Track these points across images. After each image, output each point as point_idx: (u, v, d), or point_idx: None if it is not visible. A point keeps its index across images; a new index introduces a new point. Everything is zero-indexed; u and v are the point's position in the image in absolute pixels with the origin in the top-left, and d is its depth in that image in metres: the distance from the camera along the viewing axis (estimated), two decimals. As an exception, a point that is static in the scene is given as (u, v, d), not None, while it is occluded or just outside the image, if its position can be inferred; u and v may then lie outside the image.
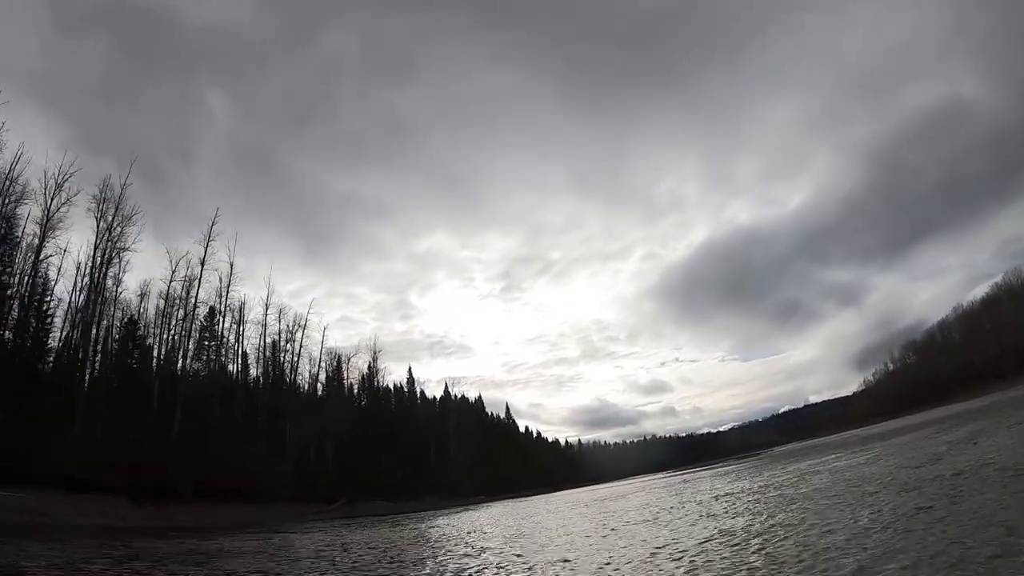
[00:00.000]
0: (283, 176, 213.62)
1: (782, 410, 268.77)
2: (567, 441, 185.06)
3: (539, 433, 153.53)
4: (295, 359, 65.40)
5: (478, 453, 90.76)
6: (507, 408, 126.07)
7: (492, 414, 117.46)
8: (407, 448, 72.17)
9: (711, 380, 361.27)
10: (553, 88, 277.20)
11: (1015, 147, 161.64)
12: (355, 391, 73.91)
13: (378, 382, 76.58)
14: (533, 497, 74.72)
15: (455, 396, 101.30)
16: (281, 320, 64.74)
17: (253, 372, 62.40)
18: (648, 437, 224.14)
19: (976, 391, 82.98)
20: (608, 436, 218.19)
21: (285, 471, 50.91)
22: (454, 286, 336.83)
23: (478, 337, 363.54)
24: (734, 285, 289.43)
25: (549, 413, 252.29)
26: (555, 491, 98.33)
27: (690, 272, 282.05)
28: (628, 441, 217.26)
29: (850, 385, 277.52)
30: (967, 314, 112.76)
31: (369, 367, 75.26)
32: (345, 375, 73.04)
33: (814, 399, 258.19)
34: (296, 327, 65.60)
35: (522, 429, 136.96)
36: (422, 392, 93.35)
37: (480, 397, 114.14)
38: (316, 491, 52.35)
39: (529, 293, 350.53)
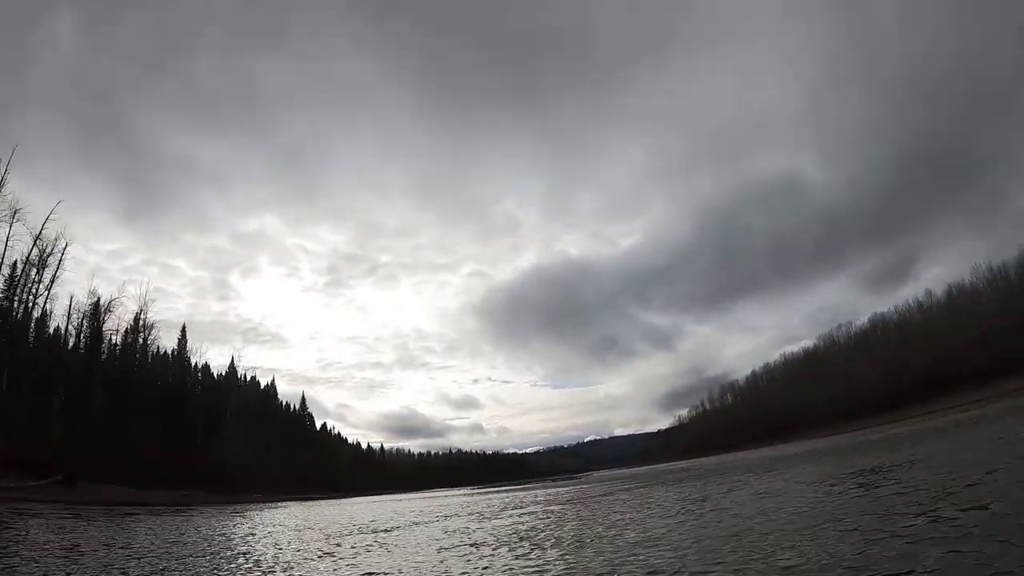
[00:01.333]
0: (119, 122, 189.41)
1: (587, 439, 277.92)
2: (369, 445, 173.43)
3: (339, 432, 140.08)
4: (31, 293, 49.40)
5: (264, 444, 77.20)
6: (303, 398, 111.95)
7: (285, 403, 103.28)
8: (172, 426, 57.72)
9: (522, 403, 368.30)
10: (410, 87, 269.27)
11: (839, 227, 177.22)
12: (113, 346, 58.05)
13: (142, 340, 60.88)
14: (322, 502, 63.60)
15: (243, 377, 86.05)
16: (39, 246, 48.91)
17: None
18: (454, 451, 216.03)
19: (796, 435, 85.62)
20: (414, 446, 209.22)
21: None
22: (278, 273, 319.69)
23: (296, 329, 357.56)
24: (557, 314, 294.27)
25: (357, 416, 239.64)
26: (350, 496, 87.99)
27: (515, 295, 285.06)
28: (433, 452, 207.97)
29: (656, 423, 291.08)
30: (788, 363, 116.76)
31: (136, 321, 59.82)
32: (104, 326, 57.23)
33: (619, 432, 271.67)
34: (48, 251, 49.80)
35: (319, 425, 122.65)
36: (205, 365, 77.94)
37: (274, 382, 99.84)
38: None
39: (353, 291, 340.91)
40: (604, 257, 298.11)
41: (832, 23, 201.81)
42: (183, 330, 69.34)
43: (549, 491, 40.28)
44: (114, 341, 57.68)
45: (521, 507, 23.71)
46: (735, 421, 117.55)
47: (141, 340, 60.70)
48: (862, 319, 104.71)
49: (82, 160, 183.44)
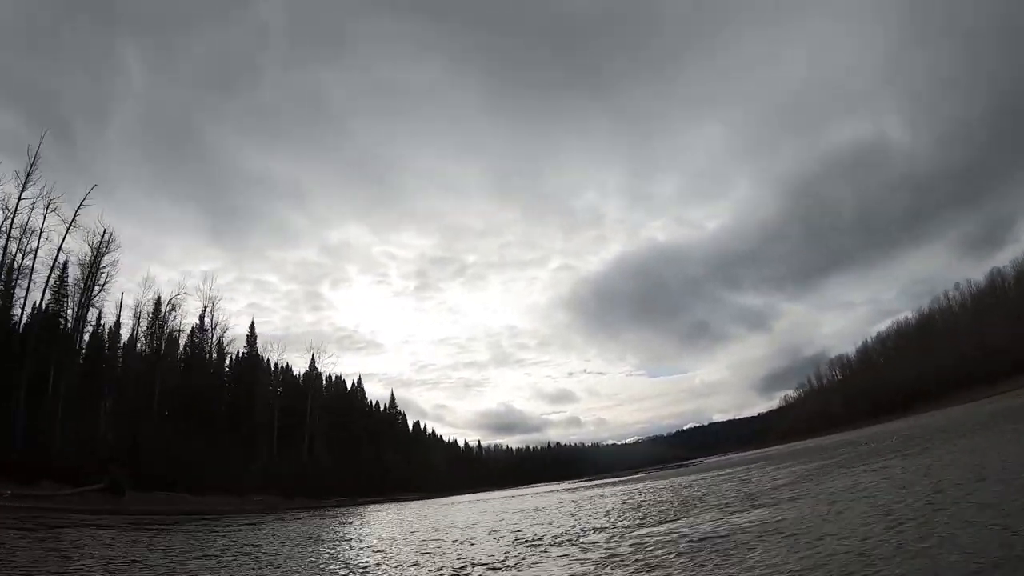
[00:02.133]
0: (196, 147, 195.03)
1: (686, 427, 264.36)
2: (467, 443, 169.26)
3: (433, 431, 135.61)
4: (86, 296, 45.63)
5: (350, 446, 72.48)
6: (392, 397, 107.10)
7: (375, 403, 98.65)
8: (241, 429, 53.32)
9: (617, 393, 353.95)
10: (478, 85, 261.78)
11: (930, 192, 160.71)
12: (180, 346, 54.19)
13: (211, 341, 56.75)
14: (402, 504, 58.13)
15: (329, 377, 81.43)
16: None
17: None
18: (552, 444, 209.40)
19: (921, 407, 75.57)
20: (512, 442, 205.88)
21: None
22: (367, 281, 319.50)
23: (389, 334, 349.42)
24: (646, 302, 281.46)
25: (454, 415, 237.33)
26: (443, 495, 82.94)
27: (604, 286, 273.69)
28: (531, 447, 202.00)
29: (754, 406, 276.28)
30: (901, 332, 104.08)
31: (201, 320, 55.84)
32: (167, 326, 53.40)
33: (718, 418, 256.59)
34: (103, 249, 45.94)
35: (411, 425, 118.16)
36: (286, 367, 73.76)
37: (360, 381, 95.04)
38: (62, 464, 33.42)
39: (443, 294, 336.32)
40: (690, 241, 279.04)
41: None
42: (251, 327, 65.24)
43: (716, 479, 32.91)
44: (177, 341, 53.90)
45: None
46: (850, 396, 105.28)
47: (209, 341, 56.73)
48: (976, 278, 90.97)
49: (164, 187, 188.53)
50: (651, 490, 25.38)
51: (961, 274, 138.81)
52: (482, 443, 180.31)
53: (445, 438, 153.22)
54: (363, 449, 75.40)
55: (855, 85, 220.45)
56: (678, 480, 32.17)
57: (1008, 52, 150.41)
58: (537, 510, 22.66)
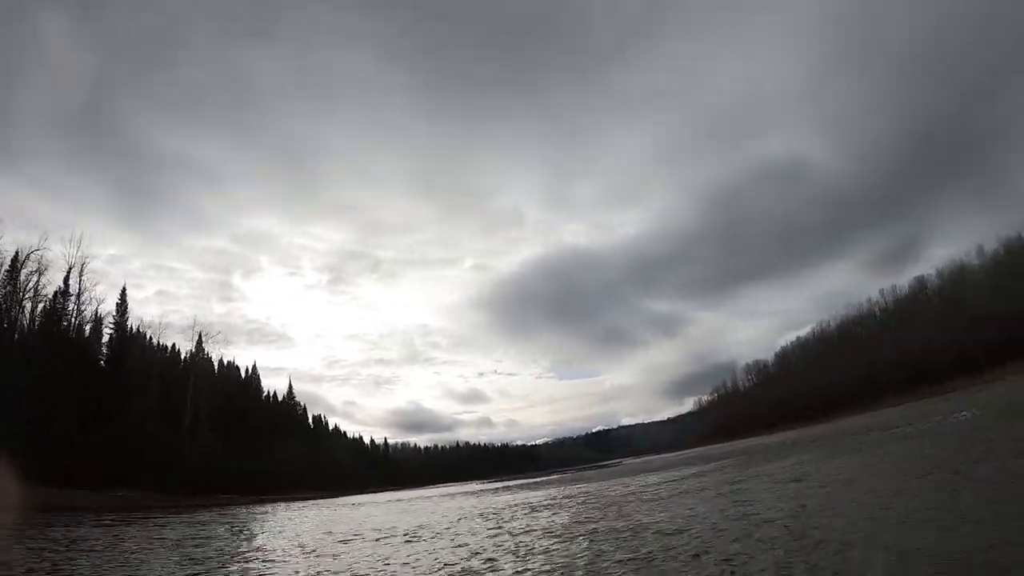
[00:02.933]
0: (110, 123, 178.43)
1: (595, 429, 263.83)
2: (373, 440, 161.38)
3: (336, 426, 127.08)
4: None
5: (238, 438, 64.06)
6: (289, 386, 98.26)
7: (272, 393, 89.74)
8: (98, 410, 44.56)
9: (528, 395, 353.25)
10: (406, 77, 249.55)
11: (844, 209, 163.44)
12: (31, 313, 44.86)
13: (74, 308, 47.50)
14: (308, 503, 51.04)
15: (215, 360, 71.90)
16: None
17: None
18: (461, 444, 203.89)
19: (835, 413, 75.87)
20: (422, 441, 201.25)
21: None
22: (280, 273, 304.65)
23: (300, 328, 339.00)
24: (560, 305, 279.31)
25: (364, 412, 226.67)
26: (348, 494, 75.89)
27: (518, 287, 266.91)
28: (440, 446, 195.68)
29: (663, 411, 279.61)
30: (822, 338, 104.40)
31: (66, 283, 46.52)
32: (22, 291, 44.15)
33: (627, 421, 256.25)
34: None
35: (311, 418, 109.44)
36: (173, 346, 64.47)
37: (255, 367, 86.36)
38: None
39: (356, 289, 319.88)
40: (607, 246, 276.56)
41: (841, 2, 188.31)
42: (122, 295, 55.16)
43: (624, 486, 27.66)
44: (34, 306, 44.66)
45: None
46: (767, 402, 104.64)
47: (73, 308, 47.45)
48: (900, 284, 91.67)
49: (74, 162, 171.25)
50: (591, 502, 19.05)
51: (870, 289, 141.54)
52: (390, 441, 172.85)
53: (353, 435, 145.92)
54: (258, 442, 67.09)
55: (779, 102, 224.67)
56: (609, 485, 26.78)
57: (923, 80, 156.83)
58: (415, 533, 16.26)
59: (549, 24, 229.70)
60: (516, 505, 14.15)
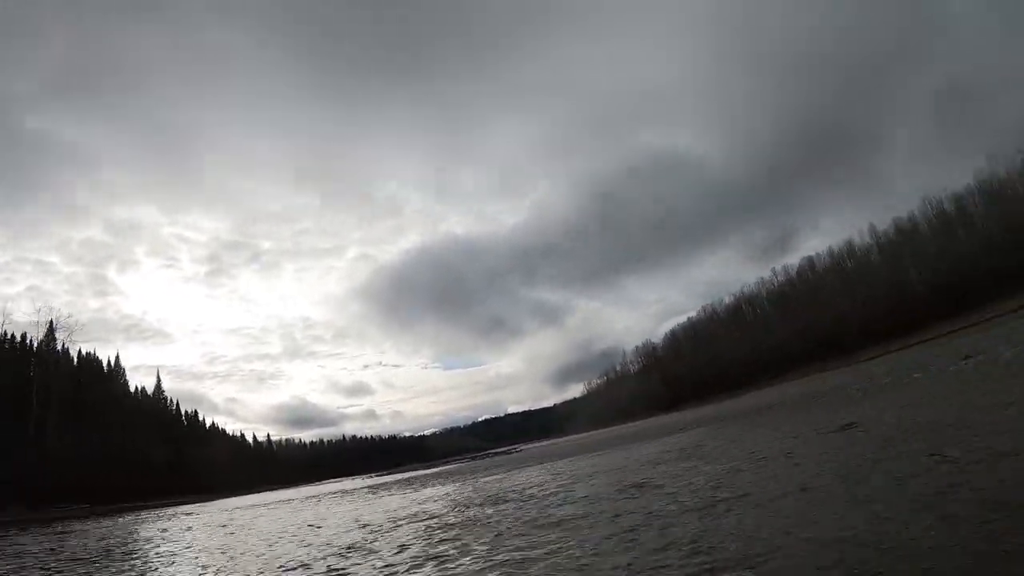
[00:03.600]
0: None
1: (482, 418, 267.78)
2: (255, 437, 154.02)
3: (214, 423, 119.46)
4: None
5: (101, 439, 57.89)
6: (158, 381, 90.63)
7: (140, 388, 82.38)
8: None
9: (413, 386, 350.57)
10: (289, 57, 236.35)
11: (722, 202, 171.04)
12: None
13: None
14: (174, 508, 46.58)
15: (80, 354, 64.72)
16: None
17: None
18: (348, 438, 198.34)
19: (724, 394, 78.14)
20: (308, 436, 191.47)
21: None
22: (157, 265, 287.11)
23: (179, 324, 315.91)
24: (443, 294, 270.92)
25: (247, 409, 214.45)
26: (230, 495, 70.70)
27: (401, 277, 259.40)
28: (327, 441, 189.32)
29: (548, 398, 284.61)
30: (712, 319, 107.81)
31: None
32: None
33: (513, 409, 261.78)
34: None
35: (185, 414, 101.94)
36: (24, 336, 57.02)
37: (118, 359, 78.91)
38: None
39: (236, 281, 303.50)
40: (490, 235, 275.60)
41: (730, 3, 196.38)
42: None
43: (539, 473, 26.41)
44: None
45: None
46: (658, 383, 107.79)
47: None
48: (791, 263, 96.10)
49: None
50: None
51: (747, 278, 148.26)
52: (275, 438, 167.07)
53: (235, 433, 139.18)
54: (122, 444, 60.96)
55: (664, 97, 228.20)
56: (524, 478, 25.16)
57: (802, 81, 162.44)
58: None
59: (439, 7, 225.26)
60: (406, 518, 12.14)
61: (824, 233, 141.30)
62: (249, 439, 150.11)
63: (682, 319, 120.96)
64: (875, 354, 57.72)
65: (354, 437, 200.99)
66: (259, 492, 77.70)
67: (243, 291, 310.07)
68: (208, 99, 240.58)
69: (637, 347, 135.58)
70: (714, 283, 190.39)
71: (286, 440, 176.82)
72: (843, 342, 67.92)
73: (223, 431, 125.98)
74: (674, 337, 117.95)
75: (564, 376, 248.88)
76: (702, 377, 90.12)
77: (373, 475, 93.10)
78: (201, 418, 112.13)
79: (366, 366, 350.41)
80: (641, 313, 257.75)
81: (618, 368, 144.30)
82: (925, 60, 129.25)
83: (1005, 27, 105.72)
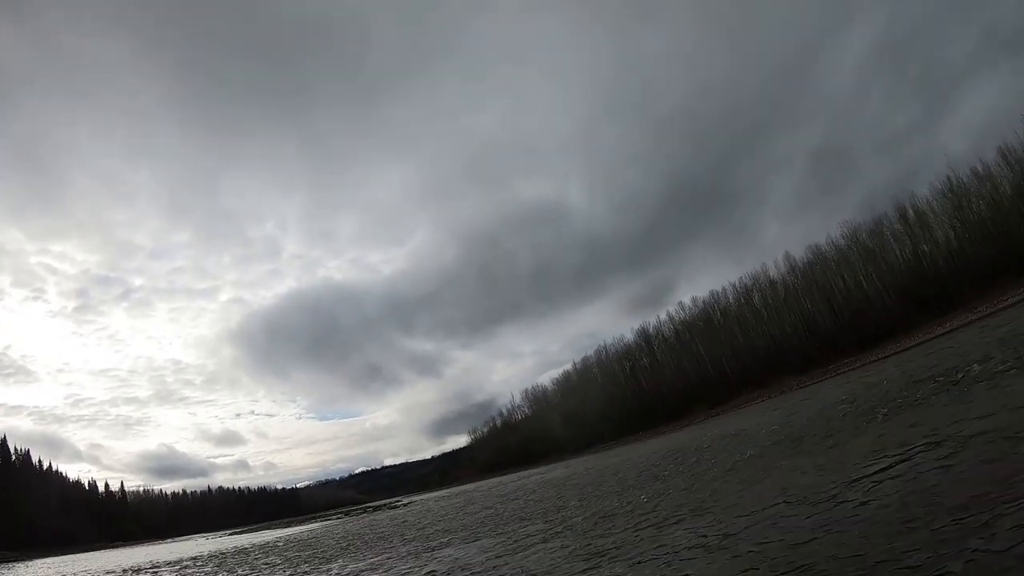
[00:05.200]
0: None
1: (358, 470, 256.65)
2: (107, 485, 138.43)
3: (50, 466, 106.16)
4: None
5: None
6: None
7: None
8: None
9: (288, 436, 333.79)
10: (166, 75, 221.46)
11: (601, 255, 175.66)
12: None
13: None
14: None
15: None
16: None
17: None
18: (214, 489, 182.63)
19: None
20: (177, 486, 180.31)
21: None
22: (20, 296, 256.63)
23: (43, 361, 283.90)
24: (319, 342, 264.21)
25: (112, 457, 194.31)
26: (52, 555, 61.37)
27: (277, 323, 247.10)
28: (190, 492, 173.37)
29: (425, 450, 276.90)
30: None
31: None
32: None
33: (390, 462, 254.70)
34: None
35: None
36: None
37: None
38: None
39: (105, 318, 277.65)
40: (367, 282, 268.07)
41: (609, 56, 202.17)
42: None
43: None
44: None
45: None
46: (550, 429, 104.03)
47: None
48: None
49: None
50: None
51: (623, 330, 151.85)
52: (132, 487, 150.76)
53: (89, 480, 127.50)
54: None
55: (545, 147, 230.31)
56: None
57: (682, 142, 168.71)
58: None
59: (324, 43, 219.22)
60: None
61: (700, 288, 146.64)
62: (106, 488, 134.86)
63: (559, 371, 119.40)
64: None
65: (220, 488, 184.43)
66: (89, 551, 68.86)
67: (112, 330, 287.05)
68: (81, 115, 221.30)
69: (526, 390, 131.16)
70: (591, 335, 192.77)
71: (144, 490, 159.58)
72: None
73: (63, 476, 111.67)
74: (567, 379, 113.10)
75: (442, 428, 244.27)
76: (598, 421, 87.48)
77: (235, 531, 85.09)
78: (38, 461, 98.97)
79: (238, 414, 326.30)
80: (519, 365, 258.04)
81: (504, 413, 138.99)
82: (802, 123, 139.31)
83: (881, 94, 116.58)
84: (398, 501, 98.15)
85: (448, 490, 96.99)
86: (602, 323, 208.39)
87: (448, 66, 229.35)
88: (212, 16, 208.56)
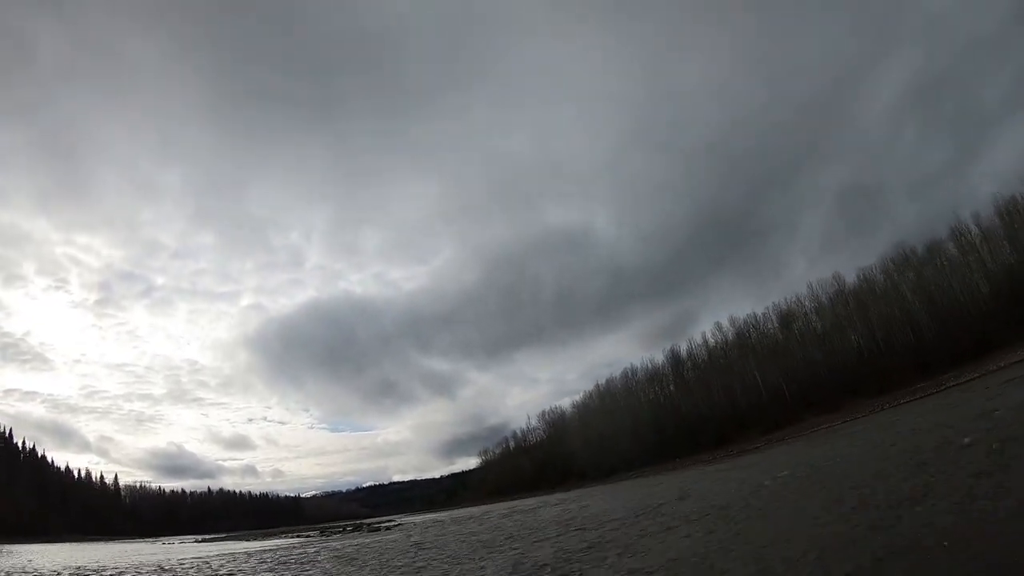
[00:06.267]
0: None
1: (366, 484, 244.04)
2: (102, 476, 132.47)
3: (33, 449, 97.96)
4: None
5: None
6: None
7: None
8: None
9: (298, 445, 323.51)
10: (199, 78, 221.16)
11: (624, 284, 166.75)
12: None
13: None
14: None
15: None
16: None
17: None
18: (215, 491, 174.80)
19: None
20: (185, 486, 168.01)
21: None
22: (44, 285, 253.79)
23: (61, 351, 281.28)
24: (336, 355, 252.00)
25: (121, 451, 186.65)
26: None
27: (295, 332, 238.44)
28: (189, 492, 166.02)
29: (434, 470, 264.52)
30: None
31: None
32: None
33: (398, 478, 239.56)
34: None
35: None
36: None
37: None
38: None
39: (126, 313, 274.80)
40: (388, 298, 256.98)
41: (642, 85, 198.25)
42: None
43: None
44: None
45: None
46: (566, 454, 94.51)
47: None
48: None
49: None
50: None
51: (640, 361, 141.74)
52: (127, 481, 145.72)
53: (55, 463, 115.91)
54: None
55: (574, 172, 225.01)
56: None
57: (712, 174, 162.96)
58: None
59: (361, 57, 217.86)
60: None
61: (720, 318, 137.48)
62: (101, 480, 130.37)
63: (574, 399, 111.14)
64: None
65: (221, 491, 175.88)
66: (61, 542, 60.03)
67: (132, 325, 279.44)
68: (112, 111, 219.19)
69: (543, 412, 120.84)
70: (609, 364, 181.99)
71: (141, 485, 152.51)
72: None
73: (49, 463, 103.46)
74: (586, 403, 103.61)
75: (452, 448, 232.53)
76: (617, 448, 77.22)
77: (221, 536, 75.77)
78: (21, 443, 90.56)
79: (250, 419, 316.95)
80: (535, 391, 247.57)
81: (518, 434, 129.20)
82: (833, 160, 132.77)
83: (914, 134, 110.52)
84: (391, 521, 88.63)
85: (451, 512, 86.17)
86: (621, 353, 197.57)
87: (482, 88, 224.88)
88: (251, 23, 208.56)
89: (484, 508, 70.41)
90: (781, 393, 62.13)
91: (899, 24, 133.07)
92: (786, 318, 68.88)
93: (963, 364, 43.27)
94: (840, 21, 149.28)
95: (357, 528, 60.82)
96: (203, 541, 63.43)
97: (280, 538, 54.13)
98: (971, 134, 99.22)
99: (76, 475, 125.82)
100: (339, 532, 54.55)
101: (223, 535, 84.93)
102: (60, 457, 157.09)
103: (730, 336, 75.88)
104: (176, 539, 79.65)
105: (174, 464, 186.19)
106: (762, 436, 57.47)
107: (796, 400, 59.61)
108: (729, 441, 61.53)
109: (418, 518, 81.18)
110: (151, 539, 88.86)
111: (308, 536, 53.99)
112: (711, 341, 79.05)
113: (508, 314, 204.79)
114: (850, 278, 64.01)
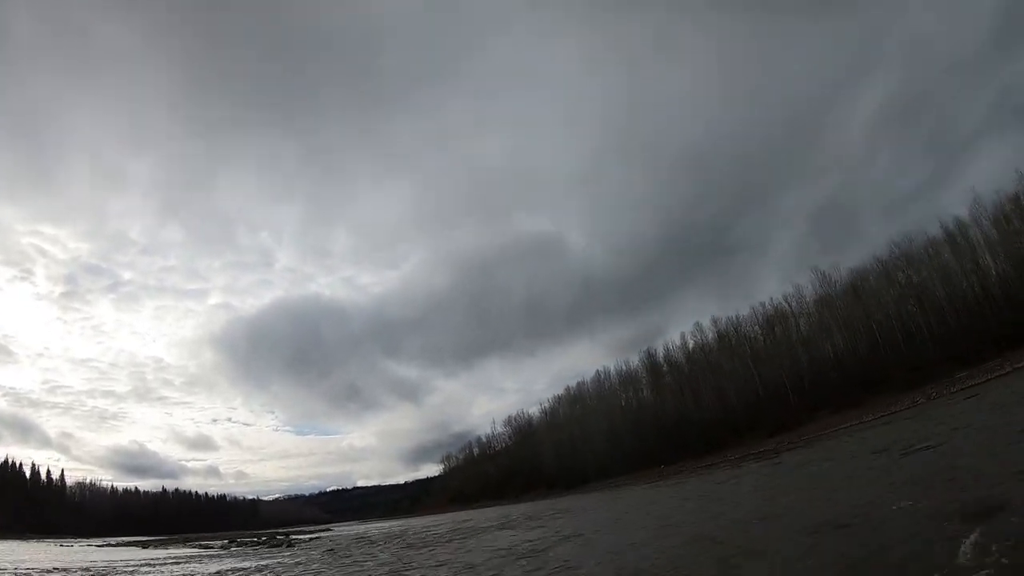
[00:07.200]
0: None
1: (330, 489, 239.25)
2: (49, 472, 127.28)
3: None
4: None
5: None
6: None
7: None
8: None
9: (262, 447, 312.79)
10: (168, 66, 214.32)
11: (593, 294, 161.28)
12: None
13: None
14: None
15: None
16: None
17: None
18: (171, 491, 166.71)
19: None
20: (146, 485, 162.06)
21: None
22: (8, 275, 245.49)
23: (24, 343, 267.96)
24: (303, 357, 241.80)
25: (83, 448, 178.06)
26: None
27: (262, 333, 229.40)
28: (143, 491, 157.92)
29: (399, 476, 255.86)
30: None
31: None
32: None
33: (362, 483, 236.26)
34: None
35: None
36: None
37: None
38: None
39: (91, 308, 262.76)
40: (356, 301, 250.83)
41: (623, 93, 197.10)
42: None
43: None
44: None
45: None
46: (531, 461, 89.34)
47: None
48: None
49: None
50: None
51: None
52: (77, 478, 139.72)
53: (16, 464, 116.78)
54: None
55: (548, 181, 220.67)
56: None
57: (688, 189, 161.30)
58: None
59: (335, 49, 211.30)
60: None
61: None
62: (47, 476, 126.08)
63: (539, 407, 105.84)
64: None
65: (177, 491, 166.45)
66: None
67: (97, 320, 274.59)
68: (81, 97, 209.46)
69: (510, 417, 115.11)
70: (577, 375, 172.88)
71: (91, 482, 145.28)
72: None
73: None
74: (556, 408, 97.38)
75: (417, 455, 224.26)
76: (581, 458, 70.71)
77: (130, 541, 66.46)
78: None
79: (215, 420, 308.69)
80: (502, 400, 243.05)
81: (483, 439, 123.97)
82: (808, 179, 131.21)
83: (889, 156, 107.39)
84: (327, 529, 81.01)
85: (406, 520, 77.54)
86: (588, 364, 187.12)
87: (457, 86, 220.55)
88: (225, 12, 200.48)
89: (433, 519, 63.20)
90: (783, 393, 57.79)
91: (878, 46, 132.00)
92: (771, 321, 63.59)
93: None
94: (821, 41, 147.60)
95: (271, 539, 52.24)
96: (104, 546, 54.71)
97: (185, 547, 45.89)
98: (945, 158, 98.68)
99: (15, 467, 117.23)
100: (252, 542, 46.51)
101: (143, 539, 76.46)
102: (20, 453, 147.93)
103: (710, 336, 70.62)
104: (81, 541, 70.27)
105: (136, 463, 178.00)
106: (764, 440, 52.87)
107: (801, 399, 55.14)
108: (723, 446, 55.04)
109: (359, 528, 73.75)
110: (72, 540, 79.30)
111: (209, 547, 45.61)
112: (690, 343, 73.17)
113: (477, 321, 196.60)
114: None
